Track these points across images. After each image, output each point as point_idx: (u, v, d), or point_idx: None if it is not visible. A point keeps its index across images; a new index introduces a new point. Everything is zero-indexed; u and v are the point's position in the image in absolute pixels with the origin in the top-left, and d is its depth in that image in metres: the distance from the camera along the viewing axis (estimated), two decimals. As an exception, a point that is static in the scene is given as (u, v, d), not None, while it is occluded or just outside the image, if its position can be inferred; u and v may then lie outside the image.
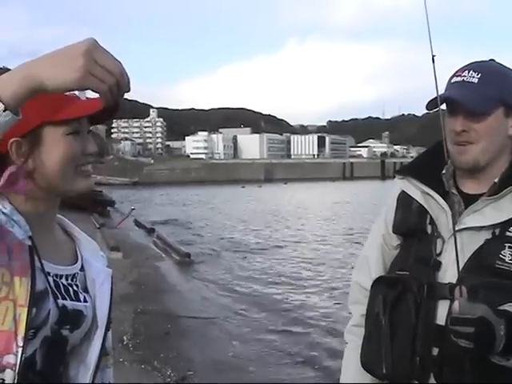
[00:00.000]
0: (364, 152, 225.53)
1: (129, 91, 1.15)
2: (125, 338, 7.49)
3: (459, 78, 1.83)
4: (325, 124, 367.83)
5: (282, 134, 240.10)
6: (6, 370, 1.26)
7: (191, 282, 13.46)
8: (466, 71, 1.83)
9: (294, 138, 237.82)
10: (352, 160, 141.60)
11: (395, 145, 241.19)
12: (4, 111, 1.06)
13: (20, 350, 1.26)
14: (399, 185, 2.03)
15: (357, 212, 32.08)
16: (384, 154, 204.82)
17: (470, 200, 1.84)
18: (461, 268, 1.72)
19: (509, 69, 1.87)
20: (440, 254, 1.84)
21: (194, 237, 21.85)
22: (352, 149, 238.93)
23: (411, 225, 1.94)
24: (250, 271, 14.88)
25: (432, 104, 1.84)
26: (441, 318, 1.76)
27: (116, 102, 1.37)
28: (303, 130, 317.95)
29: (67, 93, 1.31)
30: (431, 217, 1.89)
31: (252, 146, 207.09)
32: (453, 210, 1.84)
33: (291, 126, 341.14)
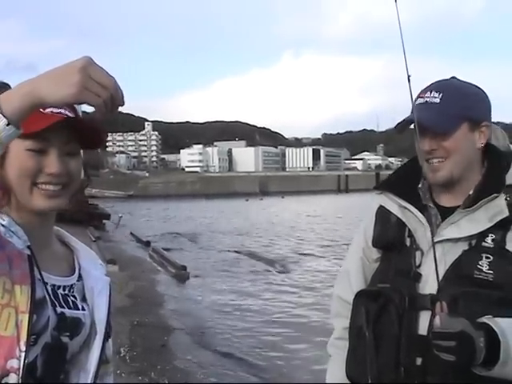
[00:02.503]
0: (359, 164, 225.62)
1: (123, 105, 1.22)
2: (122, 350, 7.49)
3: (422, 100, 1.90)
4: (319, 137, 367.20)
5: (276, 147, 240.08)
6: (10, 374, 1.30)
7: (187, 294, 13.46)
8: (429, 92, 1.90)
9: (289, 151, 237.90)
10: (347, 172, 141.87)
11: (390, 157, 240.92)
12: (7, 125, 1.14)
13: (23, 354, 1.30)
14: (377, 200, 2.08)
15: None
16: (379, 167, 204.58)
17: (446, 213, 1.90)
18: (440, 279, 1.76)
19: (469, 84, 1.94)
20: (419, 265, 1.88)
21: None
22: (347, 161, 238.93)
23: (390, 238, 1.99)
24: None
25: (401, 126, 1.94)
26: (423, 328, 1.80)
27: (101, 136, 1.46)
28: (298, 142, 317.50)
29: (45, 110, 1.37)
30: (409, 230, 1.94)
31: (247, 158, 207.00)
32: (430, 222, 1.90)
33: (286, 138, 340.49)
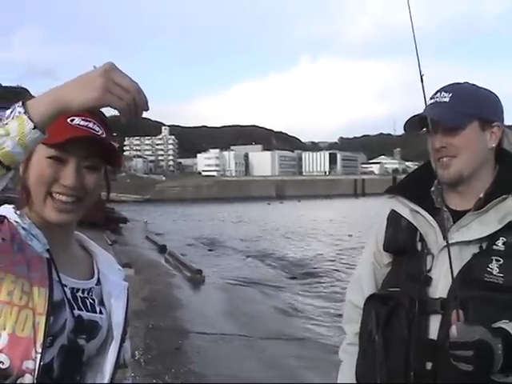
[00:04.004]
0: (376, 168, 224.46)
1: (147, 110, 1.26)
2: (137, 353, 7.52)
3: (432, 100, 1.93)
4: (336, 141, 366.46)
5: (293, 151, 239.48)
6: (26, 375, 1.32)
7: (202, 298, 13.49)
8: (438, 93, 1.93)
9: (306, 155, 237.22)
10: (364, 176, 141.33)
11: (407, 161, 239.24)
12: (33, 129, 1.18)
13: (38, 356, 1.33)
14: (389, 204, 2.08)
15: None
16: (396, 171, 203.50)
17: (458, 216, 1.89)
18: (451, 283, 1.76)
19: (481, 87, 1.96)
20: (430, 269, 1.88)
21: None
22: (363, 165, 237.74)
23: (401, 242, 1.98)
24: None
25: (409, 123, 1.96)
26: (433, 332, 1.80)
27: (116, 157, 1.48)
28: (314, 146, 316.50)
29: (73, 122, 1.41)
30: (421, 234, 1.93)
31: (263, 163, 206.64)
32: (442, 225, 1.89)
33: (302, 142, 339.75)
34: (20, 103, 1.20)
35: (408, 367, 1.81)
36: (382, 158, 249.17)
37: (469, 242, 1.82)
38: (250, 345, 9.27)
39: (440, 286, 1.82)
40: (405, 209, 2.00)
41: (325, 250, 23.60)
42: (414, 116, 1.94)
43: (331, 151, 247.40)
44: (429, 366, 1.79)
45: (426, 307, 1.82)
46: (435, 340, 1.78)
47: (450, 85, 1.95)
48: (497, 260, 1.76)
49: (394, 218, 2.04)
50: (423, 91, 1.85)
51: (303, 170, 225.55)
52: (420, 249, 1.93)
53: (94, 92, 1.18)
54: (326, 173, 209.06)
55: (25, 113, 1.18)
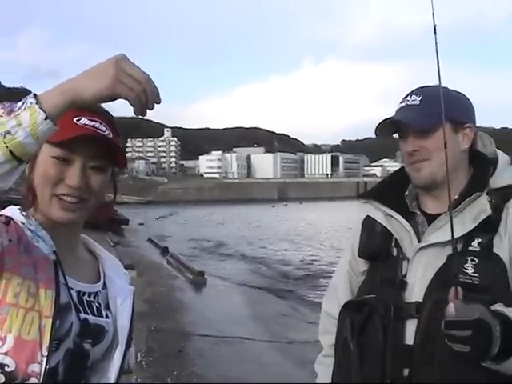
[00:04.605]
0: (378, 171, 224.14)
1: (159, 103, 1.25)
2: (139, 355, 7.51)
3: (403, 104, 1.90)
4: (338, 143, 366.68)
5: (295, 154, 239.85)
6: (31, 379, 1.31)
7: (204, 300, 13.47)
8: (409, 96, 1.91)
9: (308, 158, 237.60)
10: (366, 179, 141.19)
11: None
12: (45, 119, 1.16)
13: (44, 359, 1.31)
14: (363, 209, 2.05)
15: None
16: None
17: (432, 220, 1.87)
18: (426, 285, 1.75)
19: (451, 89, 1.92)
20: (405, 274, 1.84)
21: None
22: (366, 168, 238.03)
23: (376, 247, 1.95)
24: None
25: (380, 127, 1.94)
26: (409, 337, 1.75)
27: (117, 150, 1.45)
28: (317, 149, 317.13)
29: (79, 121, 1.41)
30: (396, 239, 1.90)
31: (266, 165, 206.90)
32: (416, 230, 1.88)
33: (305, 145, 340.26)
34: (32, 94, 1.18)
35: (384, 374, 1.76)
36: (385, 161, 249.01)
37: (444, 244, 1.78)
38: (252, 348, 9.25)
39: (416, 289, 1.79)
40: (379, 213, 1.97)
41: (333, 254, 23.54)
42: (385, 120, 1.92)
43: (333, 154, 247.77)
44: (406, 372, 1.74)
45: (401, 312, 1.79)
46: (411, 345, 1.74)
47: (420, 88, 1.93)
48: (472, 260, 1.74)
49: (368, 223, 2.01)
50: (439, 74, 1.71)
51: (305, 172, 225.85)
52: (395, 254, 1.89)
53: (105, 81, 1.18)
54: (328, 175, 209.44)
55: (36, 103, 1.16)
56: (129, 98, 1.20)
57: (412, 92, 1.92)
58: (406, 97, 1.92)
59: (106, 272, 1.59)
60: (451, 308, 1.51)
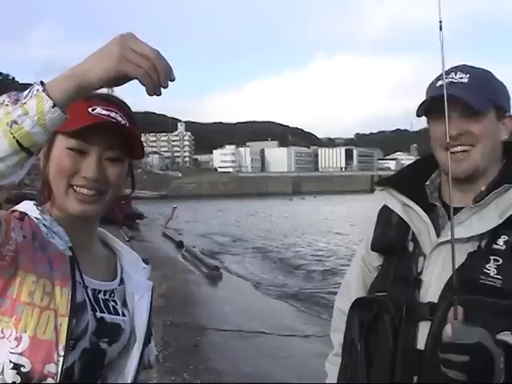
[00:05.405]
0: (392, 164, 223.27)
1: (173, 80, 1.17)
2: (155, 350, 7.51)
3: (447, 80, 1.66)
4: (352, 137, 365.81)
5: (309, 147, 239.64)
6: (48, 379, 1.27)
7: (220, 294, 13.47)
8: (453, 73, 1.71)
9: (322, 151, 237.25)
10: (380, 173, 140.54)
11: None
12: (53, 107, 1.10)
13: (61, 359, 1.28)
14: (380, 197, 1.88)
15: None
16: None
17: (455, 213, 1.61)
18: (443, 285, 1.58)
19: (495, 76, 1.76)
20: (421, 271, 1.68)
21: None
22: (380, 161, 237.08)
23: (390, 240, 1.79)
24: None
25: (424, 106, 1.71)
26: (421, 341, 1.60)
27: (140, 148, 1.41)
28: (331, 142, 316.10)
29: (94, 111, 1.36)
30: (413, 232, 1.74)
31: (279, 159, 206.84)
32: (436, 223, 1.71)
33: (318, 138, 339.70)
34: (38, 82, 1.12)
35: (392, 380, 1.61)
36: (399, 154, 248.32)
37: (466, 240, 1.61)
38: (268, 342, 9.22)
39: (431, 289, 1.62)
40: (396, 203, 1.80)
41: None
42: (427, 99, 1.71)
43: (347, 147, 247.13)
44: (415, 379, 1.59)
45: (413, 313, 1.62)
46: (423, 350, 1.58)
47: (462, 66, 1.74)
48: (495, 260, 1.55)
49: (384, 213, 1.84)
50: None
51: (319, 166, 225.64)
52: (411, 249, 1.73)
53: (111, 61, 1.12)
54: (342, 169, 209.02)
55: (43, 90, 1.10)
56: (138, 76, 1.13)
57: (455, 69, 1.72)
58: (448, 73, 1.70)
59: (124, 267, 1.55)
60: (448, 329, 1.37)
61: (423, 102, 1.70)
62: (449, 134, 1.57)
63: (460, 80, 1.68)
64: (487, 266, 1.55)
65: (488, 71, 1.75)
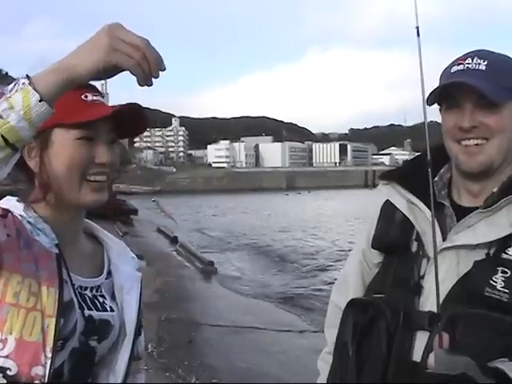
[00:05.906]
0: (386, 160, 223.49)
1: (164, 70, 1.14)
2: (149, 345, 7.49)
3: (461, 66, 1.54)
4: (347, 132, 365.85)
5: (303, 142, 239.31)
6: (35, 382, 1.24)
7: (214, 290, 13.46)
8: (470, 58, 1.54)
9: (316, 146, 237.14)
10: (374, 168, 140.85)
11: (417, 152, 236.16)
12: (39, 102, 1.07)
13: (49, 361, 1.24)
14: (384, 192, 1.75)
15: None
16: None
17: (464, 214, 1.55)
18: (445, 294, 1.45)
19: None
20: (423, 276, 1.56)
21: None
22: (374, 156, 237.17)
23: (392, 238, 1.67)
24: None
25: (435, 94, 1.55)
26: (417, 352, 1.48)
27: (142, 118, 1.38)
28: (325, 137, 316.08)
29: (87, 98, 1.33)
30: (417, 232, 1.61)
31: (274, 154, 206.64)
32: (442, 223, 1.58)
33: (313, 134, 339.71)
34: (24, 74, 1.09)
35: None
36: (393, 149, 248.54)
37: (473, 247, 1.49)
38: (263, 337, 9.22)
39: (432, 297, 1.46)
40: (400, 199, 1.68)
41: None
42: (440, 86, 1.56)
43: (342, 142, 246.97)
44: None
45: (411, 321, 1.51)
46: (418, 362, 1.46)
47: (480, 50, 1.58)
48: (503, 272, 1.42)
49: (387, 209, 1.71)
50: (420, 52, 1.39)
51: (314, 161, 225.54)
52: (415, 250, 1.61)
53: (100, 52, 1.08)
54: (336, 164, 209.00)
55: (29, 84, 1.07)
56: (128, 66, 1.10)
57: (473, 54, 1.56)
58: (464, 58, 1.55)
59: (112, 259, 1.51)
60: (431, 359, 1.29)
61: (434, 89, 1.55)
62: (461, 125, 1.50)
63: (476, 67, 1.52)
64: (494, 277, 1.42)
65: (510, 58, 1.60)
